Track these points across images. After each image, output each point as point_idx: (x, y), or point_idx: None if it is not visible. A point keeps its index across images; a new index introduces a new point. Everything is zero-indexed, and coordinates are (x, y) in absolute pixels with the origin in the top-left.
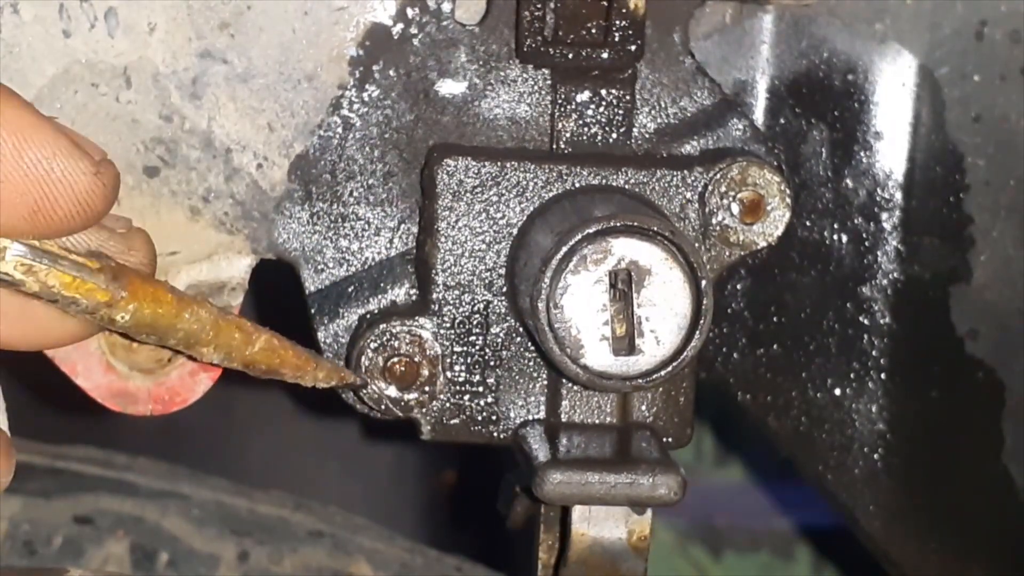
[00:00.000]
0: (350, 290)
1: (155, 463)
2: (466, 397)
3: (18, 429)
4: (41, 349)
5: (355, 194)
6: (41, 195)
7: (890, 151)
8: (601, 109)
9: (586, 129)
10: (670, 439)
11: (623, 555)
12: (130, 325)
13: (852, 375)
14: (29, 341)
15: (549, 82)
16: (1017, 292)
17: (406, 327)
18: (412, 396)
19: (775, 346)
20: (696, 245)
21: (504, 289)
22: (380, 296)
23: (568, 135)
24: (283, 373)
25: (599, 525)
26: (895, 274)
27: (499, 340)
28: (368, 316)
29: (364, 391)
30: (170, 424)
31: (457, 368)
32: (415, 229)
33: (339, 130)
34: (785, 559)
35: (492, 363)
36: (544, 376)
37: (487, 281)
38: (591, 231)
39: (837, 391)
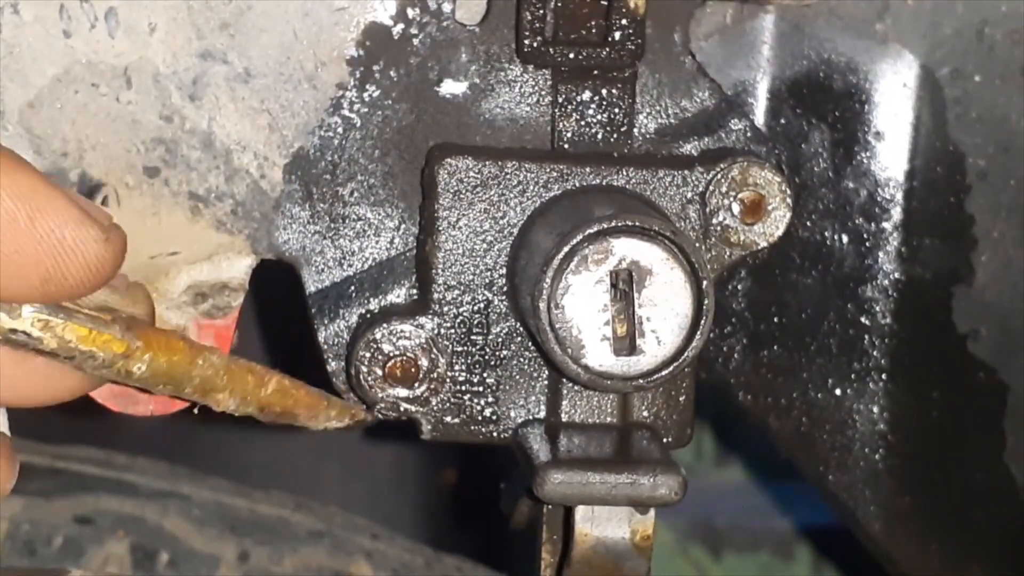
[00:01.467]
0: (350, 290)
1: (155, 463)
2: (466, 396)
3: (18, 429)
4: (47, 405)
5: (355, 194)
6: (53, 264)
7: (891, 151)
8: (602, 109)
9: (587, 129)
10: (670, 439)
11: (626, 555)
12: (147, 376)
13: (853, 376)
14: (37, 398)
15: (550, 82)
16: (1018, 292)
17: (406, 327)
18: (412, 395)
19: (776, 346)
20: (697, 245)
21: (505, 289)
22: (380, 296)
23: (569, 135)
24: (297, 415)
25: (602, 525)
26: (896, 274)
27: (500, 340)
28: (368, 316)
29: (368, 396)
30: (170, 424)
31: (457, 367)
32: (415, 229)
33: (339, 130)
34: (785, 559)
35: (492, 363)
36: (544, 376)
37: (488, 281)
38: (592, 231)
39: (838, 391)
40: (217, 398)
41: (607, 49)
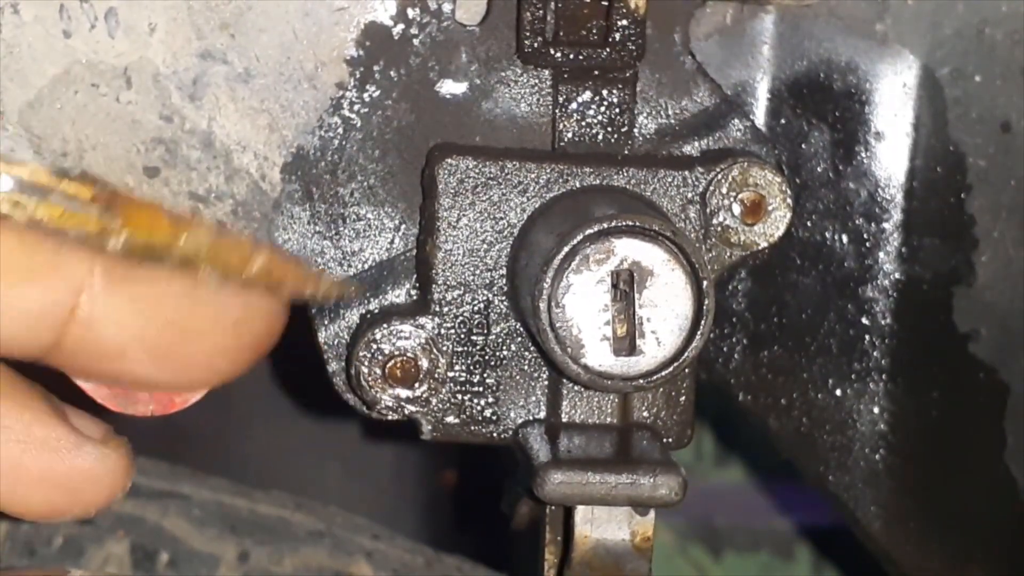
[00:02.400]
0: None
1: (155, 463)
2: (466, 397)
3: None
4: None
5: (356, 194)
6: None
7: (891, 152)
8: (602, 109)
9: (587, 129)
10: (670, 439)
11: (627, 556)
12: (121, 252)
13: (853, 376)
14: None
15: (550, 82)
16: (1019, 293)
17: (406, 327)
18: (413, 396)
19: (776, 347)
20: (698, 246)
21: (505, 289)
22: (381, 296)
23: (569, 135)
24: (282, 291)
25: (602, 527)
26: (896, 275)
27: (500, 340)
28: (368, 316)
29: (367, 396)
30: (170, 424)
31: (458, 368)
32: (415, 229)
33: (340, 130)
34: (785, 559)
35: (493, 363)
36: (545, 376)
37: (488, 281)
38: (593, 231)
39: (838, 392)
40: (197, 273)
41: (607, 49)
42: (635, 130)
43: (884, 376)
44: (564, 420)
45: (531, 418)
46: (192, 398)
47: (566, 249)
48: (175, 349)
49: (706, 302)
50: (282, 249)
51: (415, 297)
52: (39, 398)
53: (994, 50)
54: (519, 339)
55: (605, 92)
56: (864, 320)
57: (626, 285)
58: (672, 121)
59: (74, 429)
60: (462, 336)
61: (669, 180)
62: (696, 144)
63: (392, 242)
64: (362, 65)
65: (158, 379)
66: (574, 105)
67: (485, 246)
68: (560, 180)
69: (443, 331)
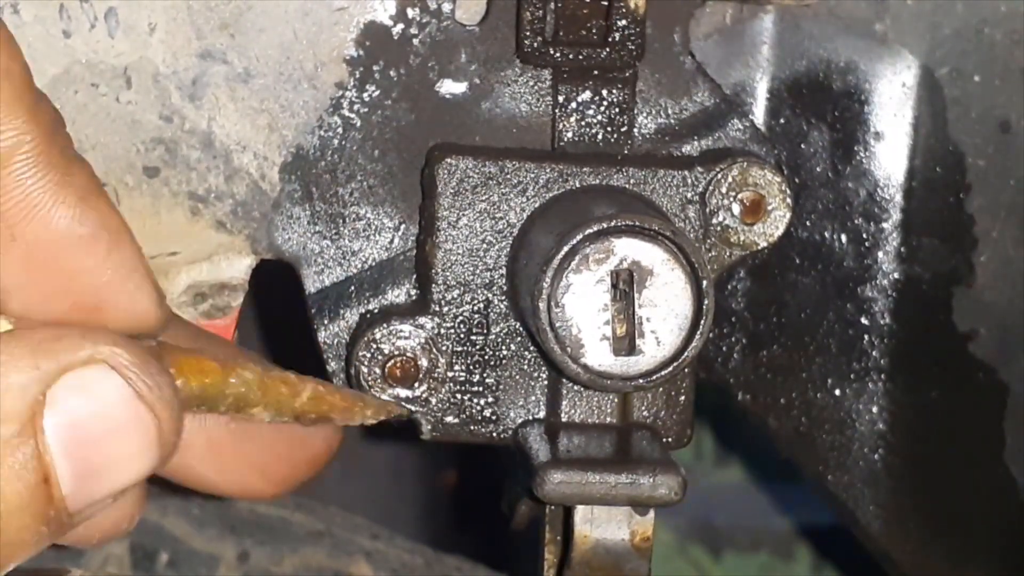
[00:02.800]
0: (350, 290)
1: None
2: (466, 397)
3: None
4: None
5: (355, 194)
6: None
7: (891, 151)
8: (602, 109)
9: (587, 129)
10: (670, 439)
11: (626, 556)
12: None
13: (852, 375)
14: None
15: (550, 82)
16: (1018, 292)
17: (406, 327)
18: (412, 395)
19: (775, 346)
20: (697, 246)
21: (505, 289)
22: (380, 296)
23: (569, 135)
24: (332, 418)
25: (602, 527)
26: (896, 274)
27: (500, 340)
28: (368, 316)
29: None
30: None
31: (457, 368)
32: (415, 229)
33: (339, 130)
34: (785, 559)
35: (492, 363)
36: (544, 376)
37: (487, 281)
38: (592, 231)
39: (837, 391)
40: (252, 412)
41: (607, 49)
42: (635, 130)
43: (883, 376)
44: (564, 420)
45: (531, 418)
46: None
47: (566, 249)
48: None
49: (706, 302)
50: (327, 382)
51: (415, 297)
52: None
53: (993, 50)
54: (519, 339)
55: (605, 92)
56: (863, 320)
57: (626, 285)
58: (672, 121)
59: None
60: (462, 336)
61: (669, 180)
62: (696, 144)
63: (392, 242)
64: (362, 65)
65: None
66: (574, 105)
67: (485, 246)
68: (560, 180)
69: (443, 331)
